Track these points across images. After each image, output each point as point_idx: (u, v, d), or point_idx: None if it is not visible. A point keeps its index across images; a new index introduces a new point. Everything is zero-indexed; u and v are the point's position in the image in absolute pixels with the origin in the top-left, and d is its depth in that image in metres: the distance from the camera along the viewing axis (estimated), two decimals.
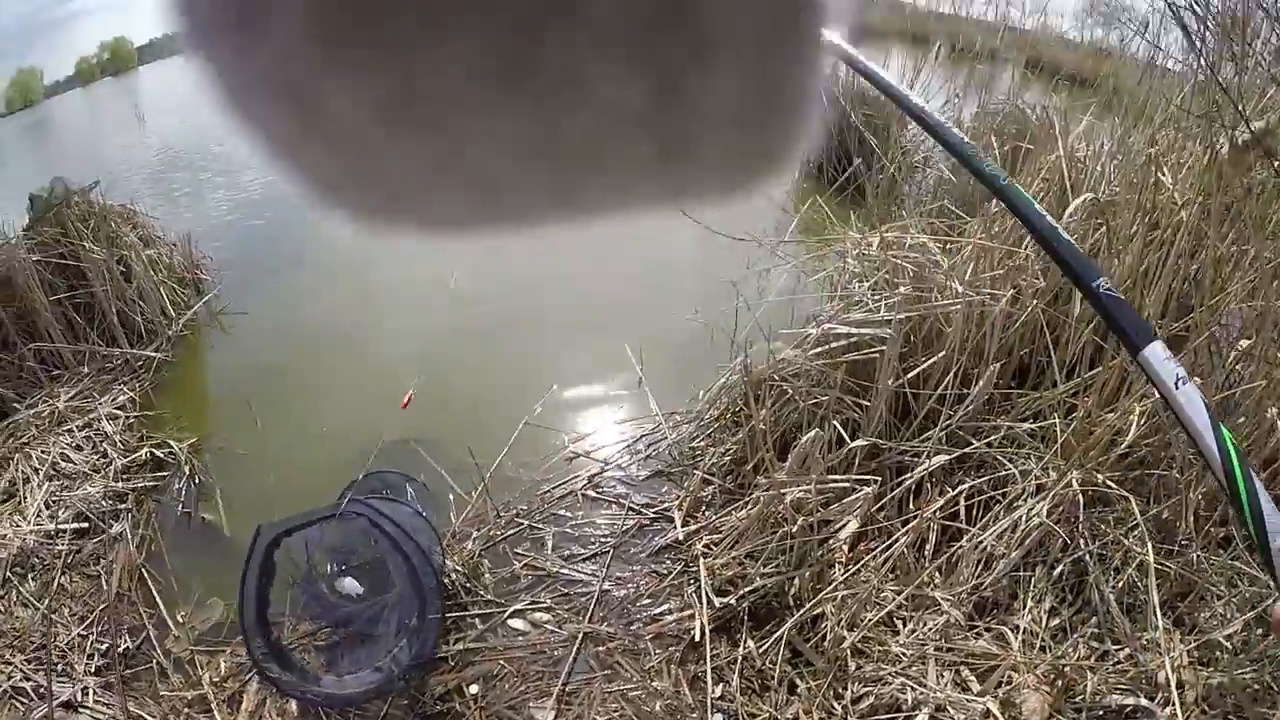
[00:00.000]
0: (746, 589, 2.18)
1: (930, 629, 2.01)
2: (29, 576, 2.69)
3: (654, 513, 2.59)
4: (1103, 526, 1.98)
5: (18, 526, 2.83)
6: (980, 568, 2.03)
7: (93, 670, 2.36)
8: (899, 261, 2.43)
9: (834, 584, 2.08)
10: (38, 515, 2.89)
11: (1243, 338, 1.97)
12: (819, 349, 2.40)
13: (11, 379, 3.66)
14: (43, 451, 3.21)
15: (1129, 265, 2.19)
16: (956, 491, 2.13)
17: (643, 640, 2.22)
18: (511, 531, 2.60)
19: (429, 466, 2.86)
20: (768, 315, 2.67)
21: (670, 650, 2.19)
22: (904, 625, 2.05)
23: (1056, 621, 1.92)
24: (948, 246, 2.53)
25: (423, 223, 0.18)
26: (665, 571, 2.38)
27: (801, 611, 2.06)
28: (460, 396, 3.35)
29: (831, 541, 2.18)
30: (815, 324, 2.47)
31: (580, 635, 2.25)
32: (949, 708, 1.83)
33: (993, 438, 2.19)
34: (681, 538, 2.43)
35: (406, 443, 2.96)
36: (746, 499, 2.35)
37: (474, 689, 2.18)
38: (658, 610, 2.29)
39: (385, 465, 2.80)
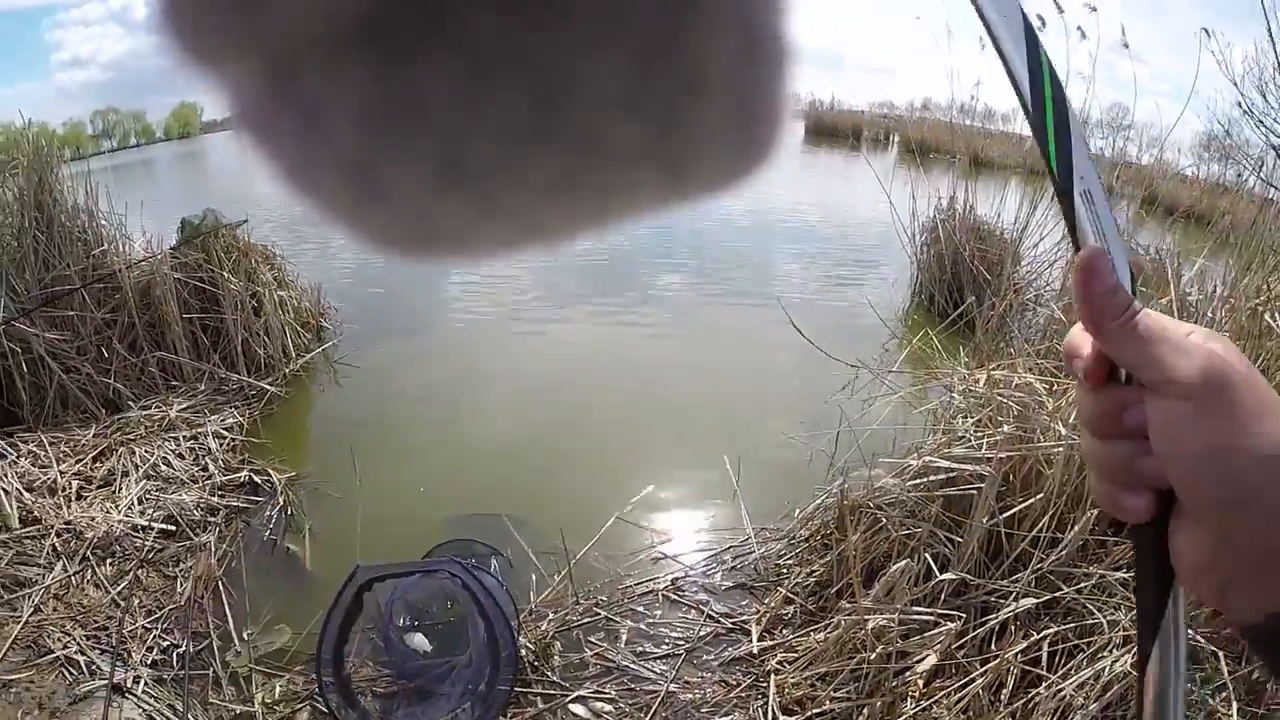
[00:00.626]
0: (814, 710, 2.12)
1: None
2: (108, 561, 2.78)
3: (731, 623, 2.56)
4: (1188, 685, 1.87)
5: (108, 514, 2.94)
6: (1057, 717, 1.92)
7: (149, 662, 2.39)
8: (1004, 400, 2.42)
9: (904, 717, 2.01)
10: (129, 508, 3.00)
11: None
12: (917, 480, 2.39)
13: (132, 379, 3.89)
14: (146, 451, 3.37)
15: None
16: (1040, 636, 2.05)
17: None
18: (587, 620, 2.60)
19: (516, 543, 2.91)
20: (869, 441, 2.69)
21: None
22: None
23: None
24: (1054, 388, 2.51)
25: (468, 256, 0.21)
26: (734, 682, 2.33)
27: None
28: (554, 480, 3.44)
29: (907, 674, 2.10)
30: (916, 455, 2.46)
31: None
32: None
33: (1083, 585, 2.10)
34: (755, 651, 2.38)
35: (497, 516, 3.03)
36: (827, 622, 2.31)
37: None
38: None
39: (474, 534, 2.85)
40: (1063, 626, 2.06)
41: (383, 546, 2.78)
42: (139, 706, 2.23)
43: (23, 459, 3.18)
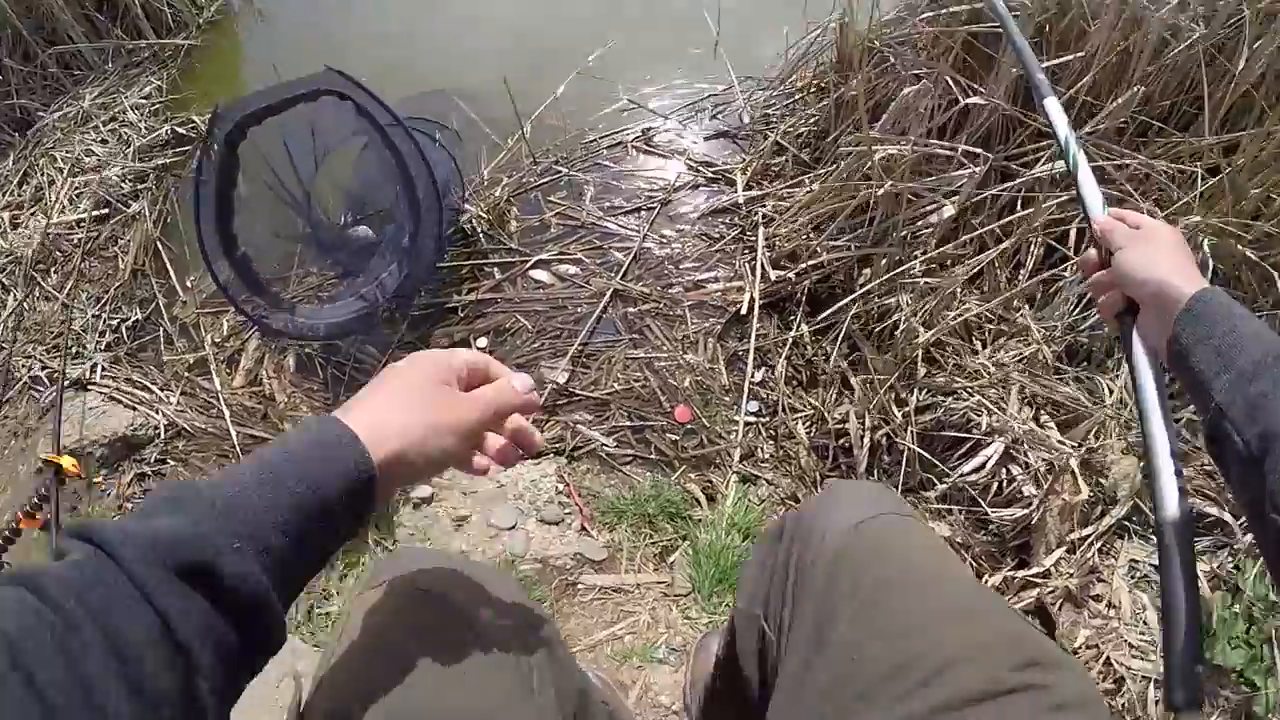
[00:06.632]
0: (809, 263, 1.84)
1: (1014, 356, 1.68)
2: (50, 271, 2.64)
3: (712, 172, 2.24)
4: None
5: (40, 223, 2.73)
6: (1079, 308, 1.70)
7: (103, 346, 2.33)
8: None
9: (912, 271, 1.74)
10: (60, 209, 2.78)
11: None
12: (934, 13, 1.93)
13: (36, 89, 3.40)
14: (66, 151, 3.05)
15: None
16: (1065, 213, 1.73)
17: (680, 306, 1.95)
18: (547, 179, 2.29)
19: (464, 115, 2.51)
20: None
21: (710, 322, 1.92)
22: (984, 346, 1.72)
23: None
24: None
25: None
26: (718, 235, 2.06)
27: (865, 296, 1.75)
28: (506, 39, 2.87)
29: (921, 223, 1.79)
30: None
31: (609, 292, 1.98)
32: (1028, 445, 1.54)
33: (1122, 166, 1.76)
34: (741, 201, 2.08)
35: (441, 91, 2.60)
36: (824, 172, 1.96)
37: (483, 342, 1.97)
38: (702, 276, 1.99)
39: (417, 113, 2.42)
40: None
41: None
42: (99, 393, 2.19)
43: None
